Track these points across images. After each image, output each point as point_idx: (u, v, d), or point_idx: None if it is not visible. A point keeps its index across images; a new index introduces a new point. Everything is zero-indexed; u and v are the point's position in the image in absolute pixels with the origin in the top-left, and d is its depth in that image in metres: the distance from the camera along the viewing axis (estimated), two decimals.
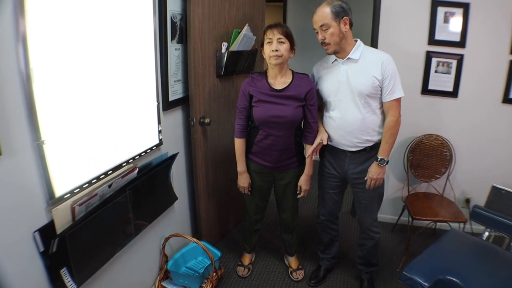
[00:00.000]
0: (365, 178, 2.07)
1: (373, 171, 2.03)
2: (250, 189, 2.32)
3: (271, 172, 2.27)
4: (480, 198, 2.69)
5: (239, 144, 2.22)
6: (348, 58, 1.96)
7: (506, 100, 2.72)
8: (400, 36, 2.77)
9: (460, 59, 2.70)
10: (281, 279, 2.51)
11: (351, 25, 1.93)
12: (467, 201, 3.01)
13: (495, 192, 2.37)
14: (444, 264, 1.81)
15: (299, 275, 2.53)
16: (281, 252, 2.78)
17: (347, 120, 2.01)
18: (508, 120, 2.78)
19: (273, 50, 1.97)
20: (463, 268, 1.77)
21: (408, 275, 1.72)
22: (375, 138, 2.05)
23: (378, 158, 2.01)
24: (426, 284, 1.66)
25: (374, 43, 2.87)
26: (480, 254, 1.93)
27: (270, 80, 2.10)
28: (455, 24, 2.66)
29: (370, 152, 2.07)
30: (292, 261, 2.60)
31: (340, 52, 1.97)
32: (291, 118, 2.07)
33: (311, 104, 2.10)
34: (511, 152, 2.84)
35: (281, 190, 2.33)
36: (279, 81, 2.09)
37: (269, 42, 1.99)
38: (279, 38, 1.97)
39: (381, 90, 1.96)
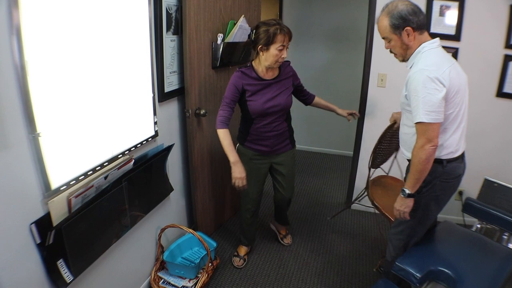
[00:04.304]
0: None
1: (396, 201, 1.81)
2: (246, 179, 2.27)
3: (267, 157, 2.36)
4: (472, 190, 2.72)
5: (225, 134, 2.14)
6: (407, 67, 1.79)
7: (500, 94, 2.74)
8: None
9: (455, 52, 2.71)
10: (275, 270, 2.54)
11: (421, 28, 1.68)
12: (460, 193, 3.04)
13: (488, 185, 2.41)
14: (436, 255, 1.84)
15: (289, 239, 2.84)
16: (275, 244, 2.82)
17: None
18: (502, 113, 2.80)
19: (282, 57, 2.08)
20: (454, 260, 1.80)
21: (401, 265, 1.75)
22: (408, 154, 1.84)
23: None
24: (418, 274, 1.68)
25: (369, 39, 2.88)
26: (471, 246, 1.96)
27: (260, 74, 2.17)
28: (451, 17, 2.66)
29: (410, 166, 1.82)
30: (282, 228, 2.86)
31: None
32: (284, 105, 2.23)
33: (298, 84, 2.37)
34: (504, 145, 2.87)
35: (280, 171, 2.43)
36: (269, 74, 2.19)
37: (280, 49, 2.04)
38: (288, 46, 2.09)
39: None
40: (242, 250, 2.66)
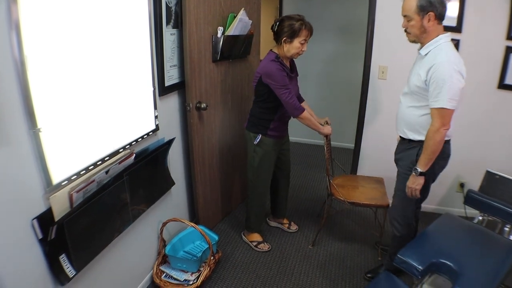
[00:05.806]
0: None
1: (409, 179, 1.97)
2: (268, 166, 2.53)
3: (281, 140, 2.54)
4: (474, 182, 2.72)
5: (307, 115, 2.35)
6: (419, 52, 1.92)
7: (501, 85, 2.73)
8: (396, 22, 2.73)
9: (456, 44, 2.69)
10: (277, 263, 2.55)
11: (440, 18, 1.81)
12: (462, 185, 3.04)
13: (489, 177, 2.40)
14: (437, 248, 1.84)
15: (295, 225, 2.96)
16: (277, 237, 2.84)
17: (399, 107, 2.07)
18: (503, 105, 2.79)
19: (303, 50, 2.25)
20: (456, 252, 1.80)
21: (403, 258, 1.75)
22: (412, 135, 1.99)
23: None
24: (420, 267, 1.68)
25: (370, 32, 2.86)
26: (473, 238, 1.96)
27: (285, 63, 2.31)
28: (452, 9, 2.62)
29: (410, 144, 2.02)
30: (283, 219, 2.98)
31: (420, 44, 1.91)
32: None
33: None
34: (506, 137, 2.86)
35: (284, 154, 2.67)
36: (287, 64, 2.35)
37: (302, 43, 2.22)
38: (307, 41, 2.25)
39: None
40: (259, 236, 2.74)
